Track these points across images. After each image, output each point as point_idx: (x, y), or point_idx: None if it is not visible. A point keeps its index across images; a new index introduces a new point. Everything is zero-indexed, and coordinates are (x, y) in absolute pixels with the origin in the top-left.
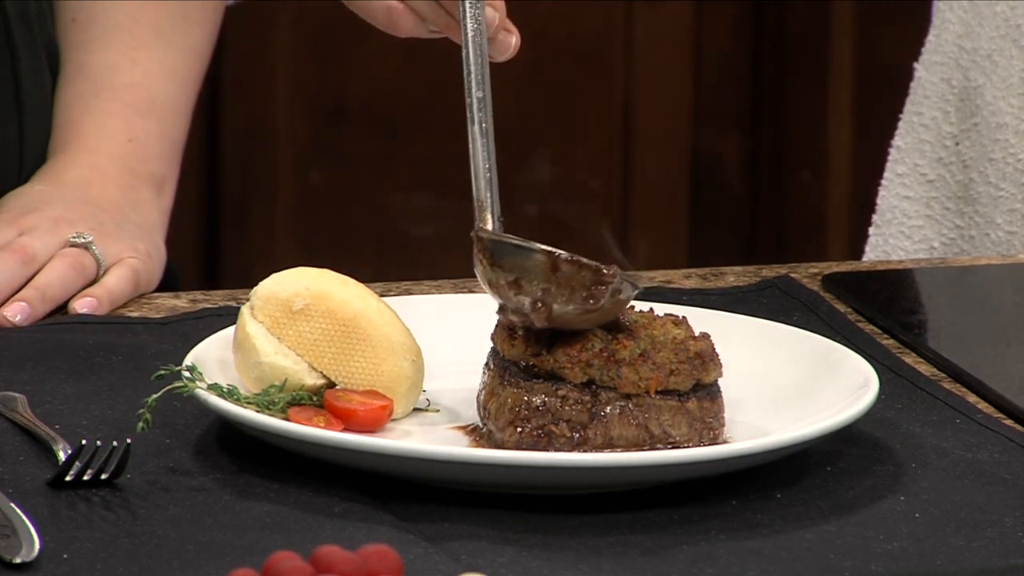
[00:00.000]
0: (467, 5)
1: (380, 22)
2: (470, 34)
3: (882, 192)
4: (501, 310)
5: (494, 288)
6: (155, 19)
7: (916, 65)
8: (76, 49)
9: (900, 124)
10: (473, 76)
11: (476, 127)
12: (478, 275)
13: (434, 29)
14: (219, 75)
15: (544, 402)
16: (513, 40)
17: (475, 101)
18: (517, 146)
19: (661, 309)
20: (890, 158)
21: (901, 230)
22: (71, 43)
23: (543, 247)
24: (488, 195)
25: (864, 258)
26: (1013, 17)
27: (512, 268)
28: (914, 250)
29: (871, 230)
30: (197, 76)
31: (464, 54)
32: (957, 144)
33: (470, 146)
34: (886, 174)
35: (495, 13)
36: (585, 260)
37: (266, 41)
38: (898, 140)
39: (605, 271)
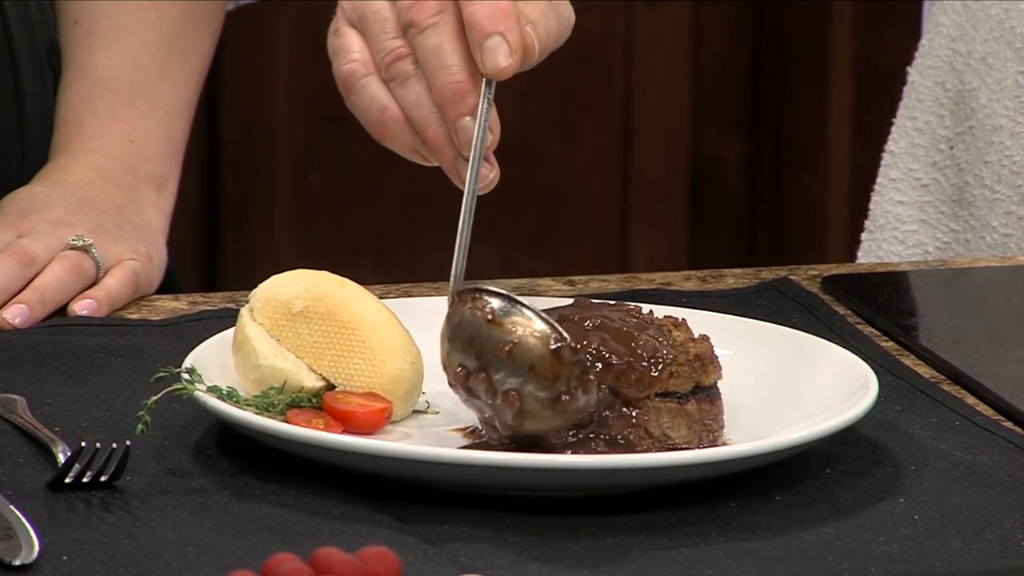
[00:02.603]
0: (485, 101)
1: (370, 123)
2: (482, 128)
3: (875, 197)
4: (454, 380)
5: (475, 344)
6: (157, 21)
7: (909, 69)
8: (78, 51)
9: (893, 129)
10: (476, 164)
11: (465, 210)
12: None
13: (419, 151)
14: (219, 76)
15: None
16: (492, 175)
17: (470, 191)
18: (516, 147)
19: (661, 311)
20: (883, 163)
21: (895, 235)
22: (73, 45)
23: (551, 322)
24: (462, 269)
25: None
26: (1007, 19)
27: (512, 329)
28: (908, 255)
29: (864, 235)
30: (199, 78)
31: (473, 143)
32: (952, 148)
33: (459, 225)
34: (879, 179)
35: (489, 136)
36: (581, 357)
37: (266, 43)
38: (891, 145)
39: (591, 377)
